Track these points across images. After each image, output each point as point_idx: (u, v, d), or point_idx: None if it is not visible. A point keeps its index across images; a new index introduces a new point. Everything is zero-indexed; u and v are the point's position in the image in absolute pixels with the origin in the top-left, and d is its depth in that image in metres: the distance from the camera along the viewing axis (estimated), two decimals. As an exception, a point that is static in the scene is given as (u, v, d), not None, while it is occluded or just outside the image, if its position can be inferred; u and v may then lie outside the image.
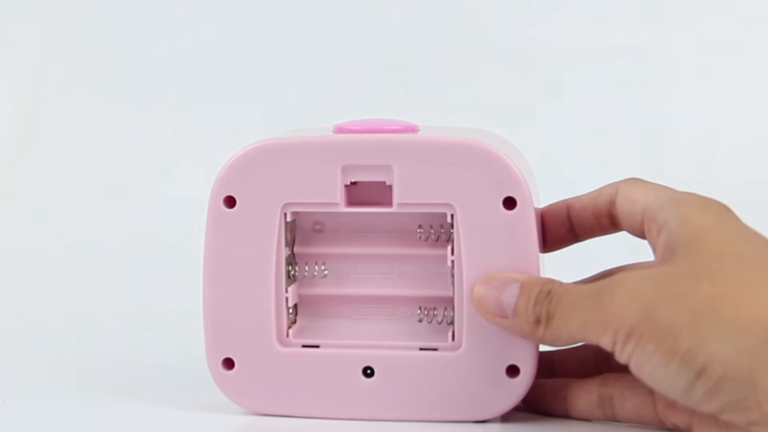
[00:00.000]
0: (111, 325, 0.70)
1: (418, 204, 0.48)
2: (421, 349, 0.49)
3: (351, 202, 0.49)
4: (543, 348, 0.49)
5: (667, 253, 0.44)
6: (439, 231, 0.50)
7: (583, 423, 0.49)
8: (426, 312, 0.50)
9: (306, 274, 0.51)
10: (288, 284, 0.50)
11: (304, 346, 0.50)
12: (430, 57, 1.02)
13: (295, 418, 0.50)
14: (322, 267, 0.51)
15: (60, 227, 0.94)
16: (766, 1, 1.01)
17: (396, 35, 1.02)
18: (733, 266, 0.42)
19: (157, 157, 1.00)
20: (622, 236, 0.49)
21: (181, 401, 0.52)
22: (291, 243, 0.51)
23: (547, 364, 0.51)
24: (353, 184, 0.49)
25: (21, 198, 0.98)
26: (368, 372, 0.49)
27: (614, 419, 0.48)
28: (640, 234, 0.47)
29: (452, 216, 0.48)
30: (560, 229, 0.50)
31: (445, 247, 0.49)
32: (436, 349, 0.49)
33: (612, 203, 0.49)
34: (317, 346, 0.50)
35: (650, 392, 0.46)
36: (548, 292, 0.45)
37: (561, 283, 0.46)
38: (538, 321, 0.45)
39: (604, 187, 0.49)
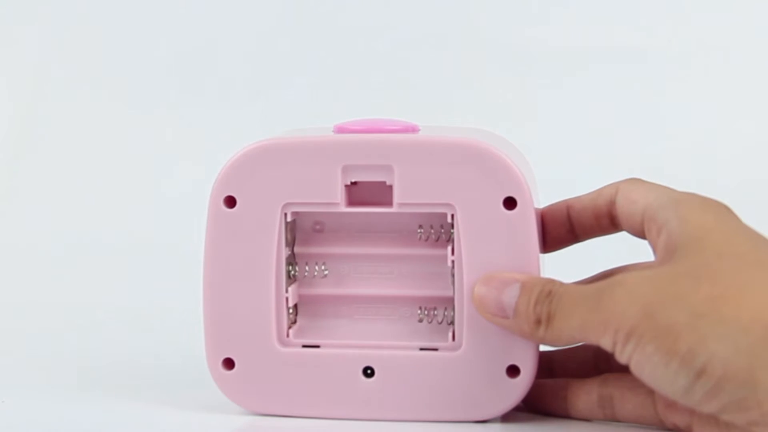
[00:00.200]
0: (111, 325, 0.70)
1: (419, 204, 0.48)
2: (422, 349, 0.49)
3: (351, 202, 0.49)
4: (543, 348, 0.49)
5: (667, 254, 0.44)
6: (439, 231, 0.50)
7: (583, 423, 0.49)
8: (426, 312, 0.50)
9: (306, 274, 0.51)
10: (288, 284, 0.50)
11: (304, 346, 0.50)
12: (430, 57, 1.02)
13: (295, 418, 0.50)
14: (323, 267, 0.51)
15: (60, 227, 0.94)
16: (766, 1, 1.01)
17: (396, 35, 1.02)
18: (733, 266, 0.42)
19: (157, 157, 1.00)
20: (622, 236, 0.49)
21: (181, 401, 0.52)
22: (291, 243, 0.51)
23: (546, 364, 0.51)
24: (353, 184, 0.49)
25: (21, 198, 0.98)
26: (368, 372, 0.49)
27: (614, 419, 0.48)
28: (640, 234, 0.47)
29: (452, 216, 0.48)
30: (560, 229, 0.50)
31: (446, 247, 0.49)
32: (436, 349, 0.49)
33: (612, 203, 0.49)
34: (317, 346, 0.50)
35: (650, 392, 0.46)
36: (549, 292, 0.45)
37: (561, 284, 0.46)
38: (538, 321, 0.45)
39: (604, 187, 0.49)
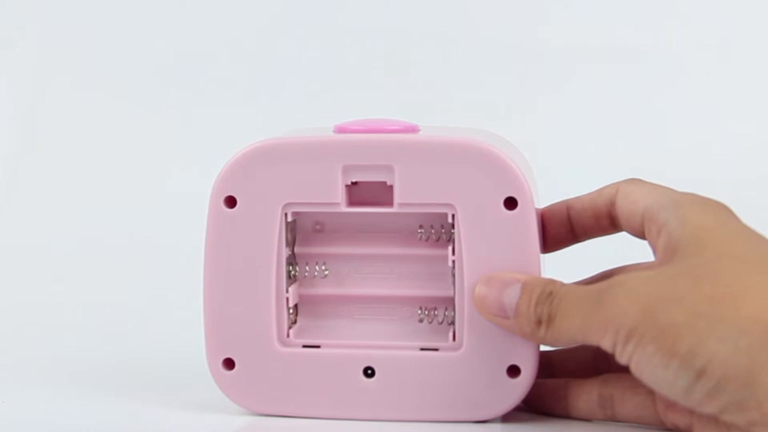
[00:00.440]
0: (111, 325, 0.70)
1: (419, 204, 0.48)
2: (422, 349, 0.49)
3: (352, 202, 0.49)
4: (543, 348, 0.49)
5: (667, 254, 0.44)
6: (439, 231, 0.50)
7: (583, 423, 0.49)
8: (427, 312, 0.50)
9: (306, 274, 0.51)
10: (288, 284, 0.50)
11: (304, 346, 0.50)
12: (430, 57, 1.02)
13: (295, 418, 0.50)
14: (323, 267, 0.51)
15: (60, 227, 0.94)
16: (766, 1, 1.01)
17: (396, 35, 1.02)
18: (733, 267, 0.42)
19: (158, 157, 1.00)
20: (622, 236, 0.49)
21: (181, 401, 0.52)
22: (291, 243, 0.51)
23: (546, 364, 0.51)
24: (354, 184, 0.49)
25: (21, 198, 0.98)
26: (369, 372, 0.49)
27: (614, 419, 0.48)
28: (640, 234, 0.47)
29: (453, 216, 0.48)
30: (560, 229, 0.50)
31: (446, 247, 0.49)
32: (436, 350, 0.49)
33: (612, 204, 0.49)
34: (318, 347, 0.50)
35: (651, 392, 0.46)
36: (549, 292, 0.45)
37: (562, 284, 0.46)
38: (539, 322, 0.45)
39: (604, 187, 0.49)
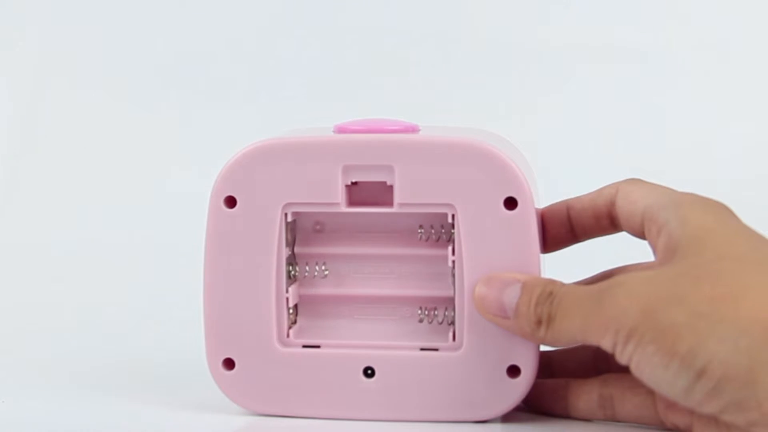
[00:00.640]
0: (111, 325, 0.70)
1: (419, 204, 0.48)
2: (422, 349, 0.49)
3: (352, 202, 0.49)
4: (542, 348, 0.49)
5: (667, 254, 0.44)
6: (439, 231, 0.50)
7: (583, 423, 0.49)
8: (427, 312, 0.50)
9: (306, 274, 0.51)
10: (288, 284, 0.50)
11: (304, 346, 0.50)
12: (430, 57, 1.02)
13: (295, 418, 0.50)
14: (323, 267, 0.51)
15: (60, 227, 0.94)
16: (766, 1, 1.01)
17: (396, 35, 1.02)
18: (733, 267, 0.42)
19: (158, 157, 1.00)
20: (622, 236, 0.49)
21: (181, 401, 0.52)
22: (291, 243, 0.51)
23: (546, 364, 0.51)
24: (354, 184, 0.49)
25: (21, 198, 0.98)
26: (369, 372, 0.49)
27: (615, 419, 0.48)
28: (640, 235, 0.47)
29: (453, 216, 0.48)
30: (560, 229, 0.50)
31: (446, 248, 0.49)
32: (436, 350, 0.49)
33: (612, 204, 0.49)
34: (318, 347, 0.50)
35: (651, 392, 0.46)
36: (549, 293, 0.45)
37: (562, 284, 0.46)
38: (539, 322, 0.45)
39: (604, 187, 0.49)
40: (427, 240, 0.50)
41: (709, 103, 0.99)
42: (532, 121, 0.98)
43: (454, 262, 0.48)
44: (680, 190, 0.47)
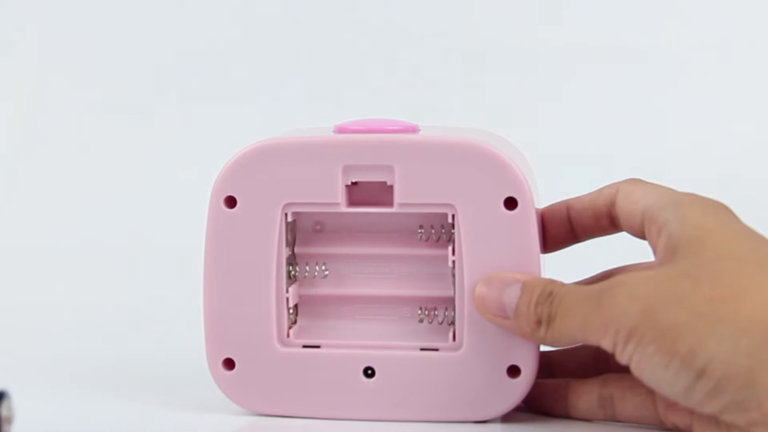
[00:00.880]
0: (111, 325, 0.70)
1: (419, 204, 0.48)
2: (422, 349, 0.49)
3: (352, 202, 0.49)
4: (543, 348, 0.49)
5: (667, 254, 0.44)
6: (439, 231, 0.50)
7: (583, 423, 0.49)
8: (427, 312, 0.50)
9: (306, 274, 0.51)
10: (288, 284, 0.50)
11: (304, 346, 0.50)
12: (430, 57, 1.02)
13: (295, 418, 0.50)
14: (323, 267, 0.51)
15: (60, 227, 0.94)
16: (766, 1, 1.01)
17: (396, 35, 1.02)
18: (733, 267, 0.42)
19: (158, 157, 1.00)
20: (622, 236, 0.49)
21: (181, 401, 0.52)
22: (292, 243, 0.51)
23: (546, 364, 0.51)
24: (354, 184, 0.49)
25: (21, 198, 0.98)
26: (369, 372, 0.49)
27: (615, 419, 0.48)
28: (640, 235, 0.47)
29: (453, 216, 0.48)
30: (560, 229, 0.50)
31: (446, 248, 0.49)
32: (436, 350, 0.49)
33: (612, 204, 0.49)
34: (318, 347, 0.50)
35: (651, 392, 0.46)
36: (550, 293, 0.45)
37: (562, 284, 0.46)
38: (539, 322, 0.45)
39: (604, 187, 0.49)
40: (427, 240, 0.50)
41: (709, 103, 0.99)
42: (532, 121, 0.98)
43: (454, 262, 0.48)
44: (680, 190, 0.47)
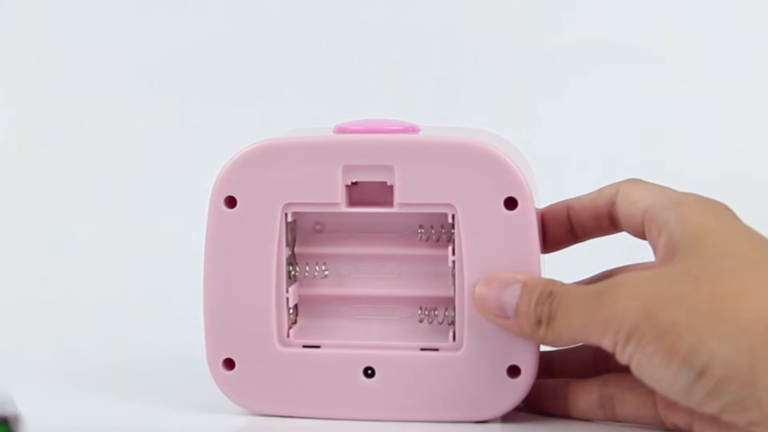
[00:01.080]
0: (110, 324, 0.70)
1: (419, 204, 0.48)
2: (422, 349, 0.49)
3: (352, 202, 0.49)
4: (542, 348, 0.49)
5: (667, 254, 0.44)
6: (440, 231, 0.50)
7: (583, 423, 0.49)
8: (427, 312, 0.50)
9: (306, 274, 0.51)
10: (288, 284, 0.50)
11: (304, 346, 0.50)
12: (431, 56, 1.02)
13: (295, 418, 0.50)
14: (323, 267, 0.51)
15: (60, 228, 0.94)
16: (766, 1, 1.01)
17: (396, 35, 1.02)
18: (733, 267, 0.42)
19: (158, 157, 1.00)
20: (622, 236, 0.49)
21: (181, 401, 0.52)
22: (292, 243, 0.51)
23: (546, 364, 0.51)
24: (354, 184, 0.49)
25: (21, 198, 0.98)
26: (369, 372, 0.49)
27: (615, 419, 0.48)
28: (641, 235, 0.47)
29: (453, 216, 0.48)
30: (560, 229, 0.50)
31: (446, 248, 0.49)
32: (437, 350, 0.49)
33: (612, 204, 0.49)
34: (318, 347, 0.50)
35: (651, 392, 0.46)
36: (550, 292, 0.45)
37: (562, 284, 0.46)
38: (539, 321, 0.45)
39: (604, 187, 0.49)
40: (427, 240, 0.50)
41: (709, 103, 0.98)
42: (532, 122, 0.98)
43: (454, 262, 0.48)
44: (680, 190, 0.47)
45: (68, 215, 0.95)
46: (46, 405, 0.52)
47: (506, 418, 0.49)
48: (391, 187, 0.48)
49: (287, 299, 0.50)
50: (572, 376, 0.50)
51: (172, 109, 1.02)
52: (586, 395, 0.48)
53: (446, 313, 0.50)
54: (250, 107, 1.00)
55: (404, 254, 0.50)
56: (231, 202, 0.49)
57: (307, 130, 0.51)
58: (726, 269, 0.42)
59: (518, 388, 0.48)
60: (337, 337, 0.50)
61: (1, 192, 0.99)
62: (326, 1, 1.03)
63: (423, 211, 0.49)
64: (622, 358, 0.42)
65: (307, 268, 0.51)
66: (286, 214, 0.49)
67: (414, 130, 0.49)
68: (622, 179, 0.49)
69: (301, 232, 0.51)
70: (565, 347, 0.50)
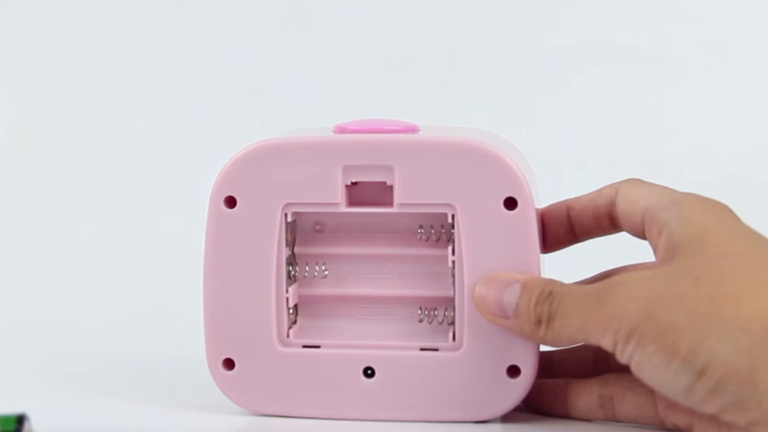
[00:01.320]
0: (111, 324, 0.70)
1: (419, 204, 0.48)
2: (422, 349, 0.49)
3: (352, 202, 0.49)
4: (542, 348, 0.49)
5: (667, 254, 0.44)
6: (439, 231, 0.50)
7: (583, 423, 0.49)
8: (426, 312, 0.50)
9: (306, 274, 0.51)
10: (288, 284, 0.50)
11: (304, 346, 0.50)
12: (431, 56, 1.02)
13: (295, 418, 0.50)
14: (323, 267, 0.51)
15: (60, 228, 0.94)
16: (766, 1, 1.01)
17: (396, 35, 1.02)
18: (733, 266, 0.42)
19: (158, 157, 1.00)
20: (622, 236, 0.49)
21: (181, 401, 0.52)
22: (291, 243, 0.51)
23: (546, 364, 0.51)
24: (354, 184, 0.49)
25: (21, 198, 0.98)
26: (369, 372, 0.49)
27: (615, 419, 0.48)
28: (641, 235, 0.47)
29: (453, 216, 0.48)
30: (560, 229, 0.50)
31: (446, 248, 0.49)
32: (436, 350, 0.49)
33: (612, 204, 0.49)
34: (318, 347, 0.50)
35: (651, 392, 0.46)
36: (549, 292, 0.45)
37: (562, 284, 0.46)
38: (539, 321, 0.45)
39: (604, 187, 0.49)
40: (427, 240, 0.50)
41: (709, 103, 0.98)
42: (532, 121, 0.98)
43: (454, 262, 0.48)
44: (680, 190, 0.47)
45: (68, 215, 0.95)
46: (46, 405, 0.52)
47: (506, 418, 0.49)
48: (391, 187, 0.48)
49: (287, 299, 0.50)
50: (572, 376, 0.50)
51: (172, 109, 1.02)
52: (586, 395, 0.48)
53: (446, 313, 0.50)
54: (250, 107, 1.00)
55: (404, 254, 0.50)
56: (231, 202, 0.49)
57: (307, 130, 0.51)
58: (726, 269, 0.42)
59: (518, 388, 0.48)
60: (336, 337, 0.50)
61: (1, 192, 0.99)
62: (326, 1, 1.03)
63: (423, 211, 0.49)
64: (622, 357, 0.42)
65: (307, 268, 0.51)
66: (286, 214, 0.49)
67: (414, 130, 0.49)
68: (622, 179, 0.49)
69: (301, 232, 0.51)
70: (565, 347, 0.50)
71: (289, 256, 0.50)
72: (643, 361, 0.41)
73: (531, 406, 0.50)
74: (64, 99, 1.03)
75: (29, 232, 0.94)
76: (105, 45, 1.04)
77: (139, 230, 0.92)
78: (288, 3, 1.04)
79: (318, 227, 0.51)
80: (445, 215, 0.49)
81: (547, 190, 0.53)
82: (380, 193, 0.49)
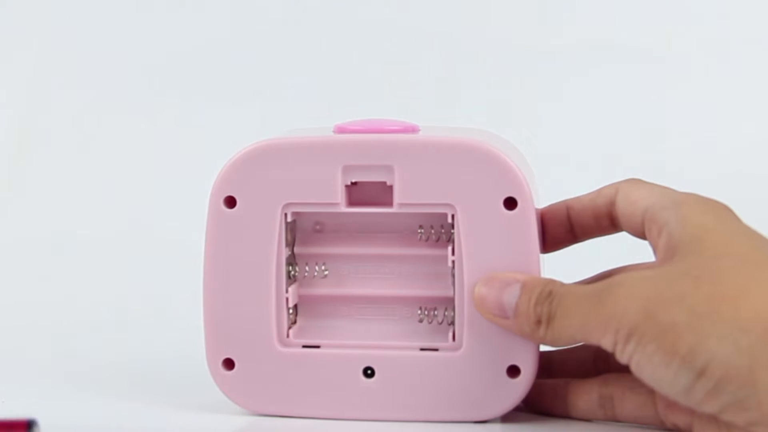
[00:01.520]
0: (111, 325, 0.70)
1: (419, 204, 0.48)
2: (422, 349, 0.49)
3: (351, 202, 0.49)
4: (542, 348, 0.49)
5: (667, 254, 0.44)
6: (439, 231, 0.50)
7: (583, 423, 0.49)
8: (426, 312, 0.50)
9: (306, 274, 0.51)
10: (288, 284, 0.50)
11: (304, 346, 0.50)
12: (431, 56, 1.02)
13: (295, 418, 0.50)
14: (323, 267, 0.51)
15: (60, 228, 0.94)
16: (766, 1, 1.01)
17: (397, 35, 1.02)
18: (733, 266, 0.42)
19: (158, 157, 1.00)
20: (622, 236, 0.49)
21: (181, 401, 0.52)
22: (291, 243, 0.51)
23: (546, 364, 0.51)
24: (354, 184, 0.49)
25: (21, 199, 0.98)
26: (369, 372, 0.49)
27: (615, 419, 0.48)
28: (641, 235, 0.47)
29: (453, 216, 0.48)
30: (560, 229, 0.50)
31: (446, 248, 0.49)
32: (436, 350, 0.49)
33: (612, 204, 0.49)
34: (318, 347, 0.50)
35: (651, 392, 0.46)
36: (549, 292, 0.45)
37: (562, 284, 0.46)
38: (539, 321, 0.45)
39: (603, 187, 0.49)
40: (427, 240, 0.50)
41: (709, 103, 0.99)
42: (532, 121, 0.98)
43: (454, 262, 0.48)
44: (680, 190, 0.47)
45: (68, 215, 0.95)
46: (46, 405, 0.52)
47: (506, 418, 0.49)
48: (391, 187, 0.48)
49: (287, 299, 0.50)
50: (572, 376, 0.50)
51: (172, 109, 1.02)
52: (585, 395, 0.48)
53: (446, 313, 0.50)
54: (250, 107, 1.00)
55: (404, 254, 0.50)
56: (231, 202, 0.49)
57: (307, 130, 0.51)
58: (726, 269, 0.42)
59: (518, 388, 0.48)
60: (336, 337, 0.50)
61: (1, 192, 0.99)
62: (326, 1, 1.03)
63: (423, 211, 0.49)
64: (622, 357, 0.42)
65: (307, 268, 0.51)
66: (285, 214, 0.49)
67: (414, 130, 0.49)
68: (622, 179, 0.49)
69: (300, 232, 0.51)
70: (565, 347, 0.50)
71: (289, 256, 0.50)
72: (643, 361, 0.41)
73: (531, 406, 0.50)
74: (64, 99, 1.03)
75: (29, 232, 0.94)
76: (105, 45, 1.04)
77: (139, 230, 0.92)
78: (288, 3, 1.04)
79: (318, 227, 0.51)
80: (445, 215, 0.48)
81: (547, 190, 0.53)
82: (380, 193, 0.49)
